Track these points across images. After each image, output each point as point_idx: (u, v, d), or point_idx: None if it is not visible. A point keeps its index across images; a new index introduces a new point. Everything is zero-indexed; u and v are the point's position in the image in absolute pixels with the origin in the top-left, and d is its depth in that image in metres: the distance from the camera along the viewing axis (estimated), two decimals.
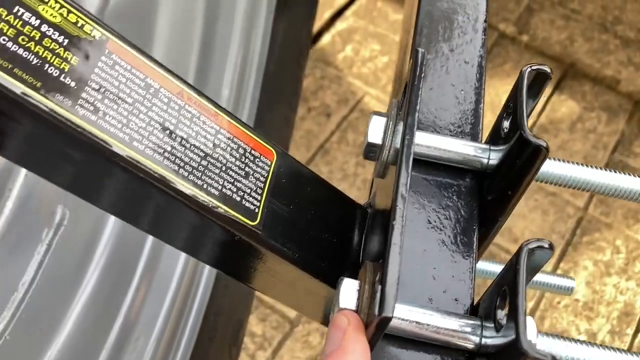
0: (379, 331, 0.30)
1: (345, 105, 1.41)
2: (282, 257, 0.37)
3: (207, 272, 0.60)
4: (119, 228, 0.57)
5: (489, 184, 0.41)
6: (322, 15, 1.52)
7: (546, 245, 0.31)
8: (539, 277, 0.53)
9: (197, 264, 0.60)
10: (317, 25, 1.50)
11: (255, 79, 0.65)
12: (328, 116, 1.39)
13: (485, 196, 0.41)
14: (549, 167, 0.40)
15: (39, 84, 0.29)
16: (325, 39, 1.49)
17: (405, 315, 0.34)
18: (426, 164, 0.42)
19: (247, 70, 0.64)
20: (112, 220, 0.57)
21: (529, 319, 0.31)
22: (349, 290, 0.34)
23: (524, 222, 1.26)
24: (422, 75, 0.37)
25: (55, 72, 0.30)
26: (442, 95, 0.46)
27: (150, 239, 0.58)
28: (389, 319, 0.29)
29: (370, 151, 0.40)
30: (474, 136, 0.44)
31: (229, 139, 0.37)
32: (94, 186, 0.34)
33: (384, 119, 0.40)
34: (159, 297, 0.59)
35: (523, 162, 0.36)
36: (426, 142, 0.42)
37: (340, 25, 1.52)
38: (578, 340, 0.34)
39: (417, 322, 0.34)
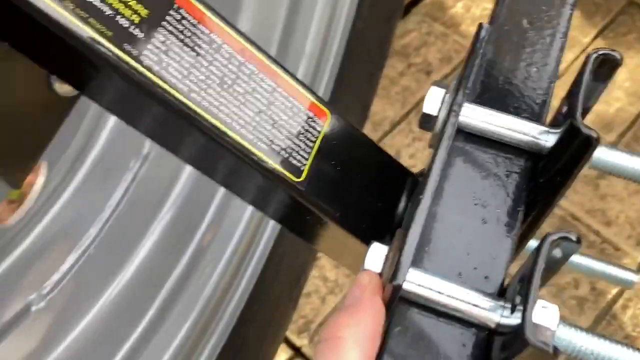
0: (392, 296, 0.32)
1: (448, 63, 1.37)
2: (324, 214, 0.39)
3: None
4: None
5: (542, 166, 0.40)
6: None
7: (573, 238, 0.30)
8: (598, 265, 0.52)
9: None
10: None
11: (340, 35, 0.66)
12: (428, 74, 1.36)
13: (537, 178, 0.40)
14: (611, 156, 0.39)
15: (110, 34, 0.33)
16: None
17: (428, 284, 0.35)
18: (482, 139, 0.42)
19: (332, 26, 0.65)
20: None
21: (550, 307, 0.31)
22: (376, 254, 0.35)
23: (621, 205, 1.19)
24: (480, 50, 0.37)
25: (126, 23, 0.33)
26: (513, 71, 0.45)
27: None
28: (399, 287, 0.30)
29: (425, 121, 0.41)
30: (538, 116, 0.43)
31: (284, 97, 0.39)
32: (157, 133, 0.38)
33: (442, 91, 0.40)
34: (228, 234, 0.63)
35: (572, 150, 0.35)
36: (484, 117, 0.41)
37: None
38: (603, 335, 0.34)
39: (439, 292, 0.35)
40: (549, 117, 0.44)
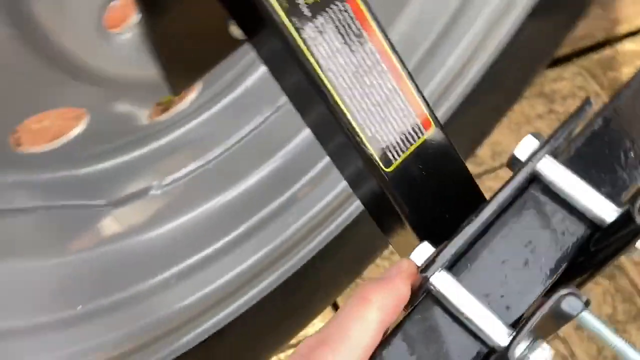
0: (420, 286, 0.38)
1: None
2: (398, 205, 0.46)
3: None
4: None
5: (597, 237, 0.44)
6: (616, 28, 1.45)
7: (581, 300, 0.35)
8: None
9: None
10: (603, 34, 1.44)
11: (481, 63, 0.71)
12: None
13: (590, 246, 0.44)
14: None
15: (285, 5, 0.41)
16: (606, 52, 1.43)
17: (456, 291, 0.41)
18: (556, 195, 0.46)
19: (477, 53, 0.70)
20: None
21: (544, 349, 0.37)
22: (423, 251, 0.41)
23: None
24: (578, 119, 0.41)
25: (300, 1, 0.41)
26: (610, 151, 0.48)
27: None
28: (426, 278, 0.36)
29: (513, 163, 0.46)
30: (616, 197, 0.46)
31: (401, 100, 0.45)
32: (292, 93, 0.46)
33: (536, 142, 0.45)
34: (321, 195, 0.71)
35: (622, 235, 0.39)
36: (566, 179, 0.45)
37: (629, 44, 1.44)
38: None
39: (462, 301, 0.41)
40: None
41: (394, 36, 0.69)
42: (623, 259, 1.20)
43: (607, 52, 1.42)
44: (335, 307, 1.10)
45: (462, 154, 0.49)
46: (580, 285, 0.47)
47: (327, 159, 0.70)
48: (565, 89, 1.41)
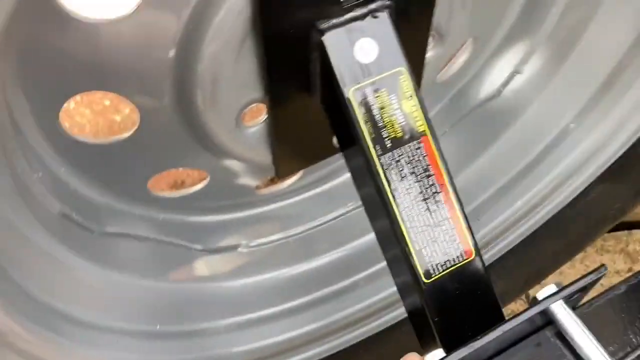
0: None
1: None
2: (428, 311, 0.55)
3: None
4: None
5: None
6: None
7: None
8: None
9: None
10: None
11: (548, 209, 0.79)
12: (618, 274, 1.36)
13: None
14: None
15: (373, 134, 0.53)
16: None
17: None
18: (565, 341, 0.53)
19: (545, 201, 0.79)
20: None
21: None
22: (436, 354, 0.50)
23: None
24: (592, 279, 0.49)
25: (386, 134, 0.53)
26: (626, 314, 0.55)
27: None
28: None
29: (532, 303, 0.54)
30: (618, 353, 0.52)
31: (450, 227, 0.55)
32: (366, 199, 0.57)
33: (554, 288, 0.53)
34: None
35: None
36: (579, 333, 0.52)
37: None
38: None
39: None
40: None
41: (474, 170, 0.80)
42: None
43: None
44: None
45: (516, 288, 0.57)
46: None
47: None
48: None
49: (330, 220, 0.80)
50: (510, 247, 0.81)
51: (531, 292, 1.18)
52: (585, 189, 0.77)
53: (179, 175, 1.02)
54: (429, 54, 0.65)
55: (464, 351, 0.48)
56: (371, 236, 0.80)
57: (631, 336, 0.53)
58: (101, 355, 0.60)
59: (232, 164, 0.65)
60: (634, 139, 0.74)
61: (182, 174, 1.02)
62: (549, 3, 0.71)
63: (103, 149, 0.58)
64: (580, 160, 0.76)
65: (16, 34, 0.45)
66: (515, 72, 0.77)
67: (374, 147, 0.53)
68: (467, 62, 0.77)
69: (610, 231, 1.18)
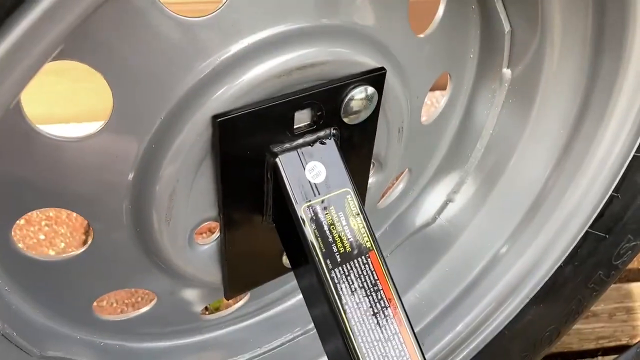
0: None
1: None
2: None
3: None
4: None
5: None
6: None
7: None
8: None
9: None
10: None
11: (490, 330, 0.82)
12: None
13: None
14: None
15: (324, 249, 0.56)
16: None
17: None
18: None
19: (486, 323, 0.81)
20: None
21: None
22: None
23: None
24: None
25: (335, 250, 0.56)
26: None
27: None
28: None
29: None
30: None
31: (399, 342, 0.57)
32: (317, 319, 0.59)
33: None
34: None
35: None
36: None
37: None
38: None
39: None
40: None
41: (416, 294, 0.83)
42: None
43: None
44: None
45: None
46: None
47: None
48: None
49: (277, 346, 0.79)
50: None
51: None
52: (521, 311, 0.81)
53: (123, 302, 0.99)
54: (371, 180, 0.70)
55: None
56: None
57: None
58: None
59: (182, 284, 0.65)
60: (561, 261, 0.79)
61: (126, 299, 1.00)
62: (474, 139, 0.80)
63: (51, 266, 0.57)
64: (514, 283, 0.80)
65: None
66: (448, 200, 0.84)
67: (325, 262, 0.56)
68: (404, 190, 0.82)
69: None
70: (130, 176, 0.54)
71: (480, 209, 0.82)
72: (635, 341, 1.54)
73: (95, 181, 0.54)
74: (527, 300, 0.80)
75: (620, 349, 1.50)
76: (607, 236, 0.77)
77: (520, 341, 0.83)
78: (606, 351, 1.50)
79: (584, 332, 1.48)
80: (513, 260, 0.80)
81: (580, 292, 0.81)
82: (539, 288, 0.80)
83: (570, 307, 0.82)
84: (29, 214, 1.28)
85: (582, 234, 0.77)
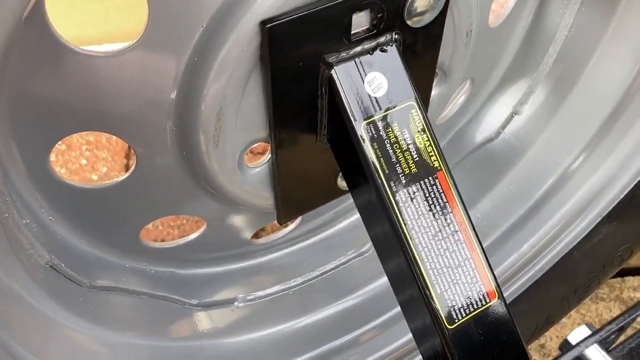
0: None
1: None
2: (452, 357, 0.51)
3: None
4: None
5: None
6: None
7: None
8: None
9: None
10: None
11: (556, 252, 0.77)
12: None
13: None
14: None
15: (386, 170, 0.50)
16: None
17: None
18: None
19: (552, 243, 0.76)
20: None
21: None
22: None
23: None
24: (628, 320, 0.46)
25: (399, 170, 0.51)
26: None
27: None
28: None
29: (564, 346, 0.50)
30: None
31: (471, 268, 0.52)
32: (378, 242, 0.54)
33: (588, 331, 0.50)
34: None
35: None
36: None
37: None
38: None
39: None
40: None
41: (477, 214, 0.78)
42: None
43: None
44: None
45: (525, 336, 0.53)
46: None
47: (395, 310, 0.77)
48: None
49: (331, 269, 0.76)
50: (518, 293, 0.77)
51: (543, 339, 1.14)
52: (592, 230, 0.75)
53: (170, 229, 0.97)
54: (433, 92, 0.64)
55: None
56: (374, 286, 0.77)
57: None
58: None
59: (231, 209, 0.61)
60: (638, 178, 0.73)
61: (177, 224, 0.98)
62: (546, 43, 0.71)
63: (94, 194, 0.54)
64: (586, 201, 0.74)
65: (9, 68, 0.42)
66: (514, 112, 0.76)
67: (388, 184, 0.50)
68: (465, 103, 0.75)
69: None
70: (173, 94, 0.49)
71: (550, 120, 0.75)
72: None
73: (135, 100, 0.49)
74: (600, 219, 0.74)
75: None
76: None
77: (589, 261, 0.78)
78: None
79: None
80: (586, 176, 0.73)
81: None
82: (613, 205, 0.74)
83: None
84: (69, 138, 1.25)
85: None
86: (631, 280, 1.37)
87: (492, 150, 0.78)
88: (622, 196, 0.73)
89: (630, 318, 0.49)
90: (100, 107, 0.48)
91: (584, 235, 0.76)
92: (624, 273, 1.37)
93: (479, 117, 0.78)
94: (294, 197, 0.60)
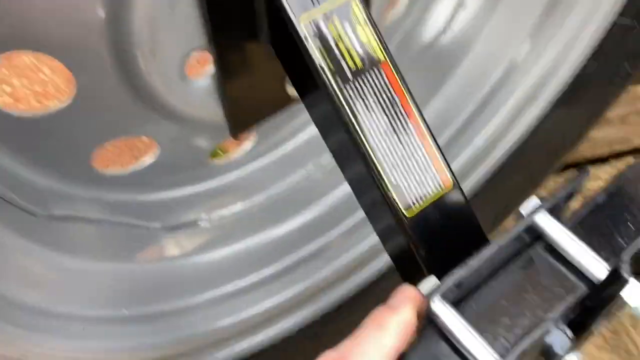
0: (426, 312, 0.44)
1: None
2: (414, 247, 0.52)
3: None
4: None
5: (593, 292, 0.49)
6: None
7: (567, 334, 0.40)
8: None
9: None
10: None
11: (510, 143, 0.78)
12: None
13: (586, 301, 0.49)
14: None
15: (332, 67, 0.50)
16: None
17: (458, 324, 0.46)
18: (559, 254, 0.51)
19: (505, 134, 0.77)
20: None
21: None
22: (430, 283, 0.47)
23: None
24: (575, 185, 0.48)
25: (345, 66, 0.50)
26: (614, 221, 0.54)
27: None
28: (429, 304, 0.42)
29: (518, 218, 0.52)
30: (613, 261, 0.51)
31: (424, 157, 0.53)
32: (334, 148, 0.54)
33: (537, 202, 0.51)
34: None
35: (612, 290, 0.44)
36: (568, 241, 0.51)
37: None
38: None
39: (462, 334, 0.46)
40: None
41: (430, 114, 0.78)
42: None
43: None
44: None
45: (487, 226, 0.55)
46: (575, 342, 0.51)
47: (358, 215, 0.78)
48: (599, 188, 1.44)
49: (293, 184, 0.77)
50: (477, 187, 0.79)
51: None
52: (543, 117, 0.77)
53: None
54: None
55: (460, 272, 0.45)
56: (337, 193, 0.78)
57: (619, 239, 0.52)
58: (71, 345, 0.54)
59: (182, 126, 0.60)
60: (583, 61, 0.73)
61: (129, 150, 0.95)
62: None
63: (37, 122, 0.52)
64: (534, 88, 0.75)
65: None
66: (458, 6, 0.76)
67: (335, 80, 0.50)
68: (409, 3, 0.74)
69: (559, 170, 1.21)
70: (101, 11, 0.47)
71: (493, 11, 0.74)
72: None
73: (63, 22, 0.46)
74: (550, 106, 0.76)
75: (632, 152, 1.50)
76: (637, 24, 0.70)
77: (543, 149, 0.80)
78: (618, 155, 1.49)
79: (596, 138, 1.45)
80: (533, 62, 0.74)
81: (605, 89, 0.76)
82: (561, 90, 0.75)
83: (594, 107, 0.78)
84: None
85: (608, 24, 0.70)
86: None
87: (440, 47, 0.78)
88: (568, 80, 0.74)
89: (579, 183, 0.50)
90: (30, 29, 0.46)
91: (535, 123, 0.77)
92: (578, 164, 1.42)
93: (425, 15, 0.77)
94: (243, 107, 0.59)
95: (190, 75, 0.55)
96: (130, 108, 0.55)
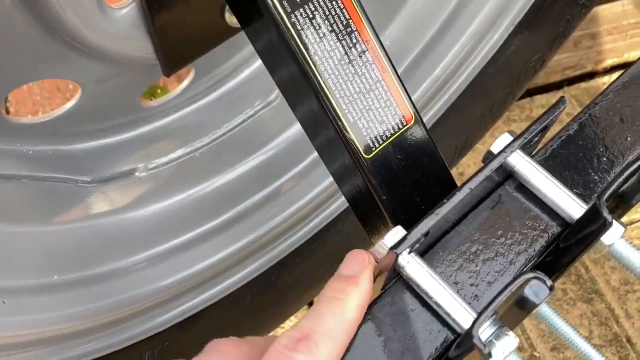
0: (392, 266, 0.39)
1: None
2: (374, 191, 0.47)
3: None
4: None
5: (567, 233, 0.45)
6: (605, 61, 1.49)
7: (547, 283, 0.36)
8: None
9: None
10: (592, 65, 1.47)
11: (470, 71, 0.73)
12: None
13: (560, 242, 0.46)
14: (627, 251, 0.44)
15: None
16: (595, 82, 1.46)
17: (426, 276, 0.42)
18: (530, 193, 0.48)
19: (470, 58, 0.72)
20: None
21: (509, 335, 0.38)
22: (395, 233, 0.42)
23: None
24: (550, 119, 0.43)
25: None
26: (585, 155, 0.50)
27: None
28: (396, 255, 0.38)
29: (487, 157, 0.48)
30: (586, 197, 0.48)
31: (384, 91, 0.47)
32: (281, 78, 0.47)
33: (510, 137, 0.47)
34: None
35: (589, 231, 0.41)
36: (540, 178, 0.47)
37: (616, 76, 1.47)
38: None
39: (432, 286, 0.42)
40: None
41: (386, 41, 0.72)
42: (601, 284, 1.22)
43: (595, 82, 1.46)
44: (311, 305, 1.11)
45: (447, 161, 0.50)
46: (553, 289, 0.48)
47: (311, 156, 0.73)
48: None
49: (238, 125, 0.70)
50: (436, 117, 0.74)
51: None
52: (505, 42, 0.71)
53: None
54: None
55: (429, 221, 0.41)
56: (287, 135, 0.71)
57: (593, 174, 0.49)
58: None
59: (107, 66, 0.52)
60: None
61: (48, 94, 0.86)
62: None
63: None
64: (496, 10, 0.70)
65: None
66: None
67: (281, 4, 0.43)
68: None
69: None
70: None
71: None
72: (600, 67, 1.51)
73: None
74: (512, 28, 0.70)
75: (585, 77, 1.48)
76: None
77: (503, 76, 0.76)
78: (571, 81, 1.47)
79: (549, 64, 1.42)
80: None
81: (569, 10, 0.71)
82: (524, 12, 0.70)
83: (558, 29, 0.73)
84: None
85: None
86: (540, 99, 1.40)
87: None
88: (530, 4, 0.69)
89: (552, 117, 0.46)
90: None
91: (496, 49, 0.72)
92: (532, 92, 1.39)
93: None
94: (176, 40, 0.52)
95: (111, 4, 0.47)
96: (45, 48, 0.46)
